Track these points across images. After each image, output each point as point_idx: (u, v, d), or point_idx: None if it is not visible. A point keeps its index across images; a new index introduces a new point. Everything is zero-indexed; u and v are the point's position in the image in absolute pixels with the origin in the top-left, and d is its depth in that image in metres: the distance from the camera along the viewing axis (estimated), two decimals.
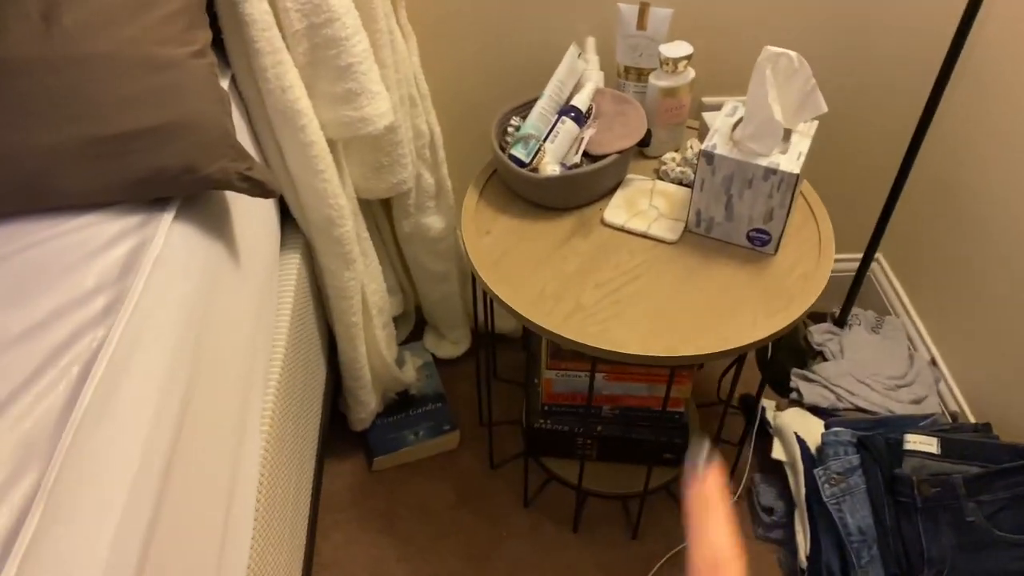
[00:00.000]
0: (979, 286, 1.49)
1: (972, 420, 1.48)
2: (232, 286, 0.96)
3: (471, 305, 1.67)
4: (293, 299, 1.22)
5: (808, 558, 1.33)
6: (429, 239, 1.52)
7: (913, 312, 1.67)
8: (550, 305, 1.14)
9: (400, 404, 1.59)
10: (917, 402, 1.48)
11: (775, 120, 1.10)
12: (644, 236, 1.24)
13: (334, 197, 1.20)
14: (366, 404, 1.47)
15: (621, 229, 1.25)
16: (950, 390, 1.54)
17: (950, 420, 1.49)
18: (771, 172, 1.11)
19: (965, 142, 1.49)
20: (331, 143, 1.20)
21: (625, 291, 1.16)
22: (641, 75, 1.33)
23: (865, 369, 1.52)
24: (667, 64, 1.27)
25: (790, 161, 1.12)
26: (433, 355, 1.69)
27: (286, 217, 1.29)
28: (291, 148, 1.15)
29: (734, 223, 1.20)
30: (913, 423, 1.38)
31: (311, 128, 1.13)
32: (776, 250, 1.21)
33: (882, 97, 1.54)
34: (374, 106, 1.16)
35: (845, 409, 1.46)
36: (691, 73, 1.30)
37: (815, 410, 1.46)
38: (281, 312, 1.19)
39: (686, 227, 1.24)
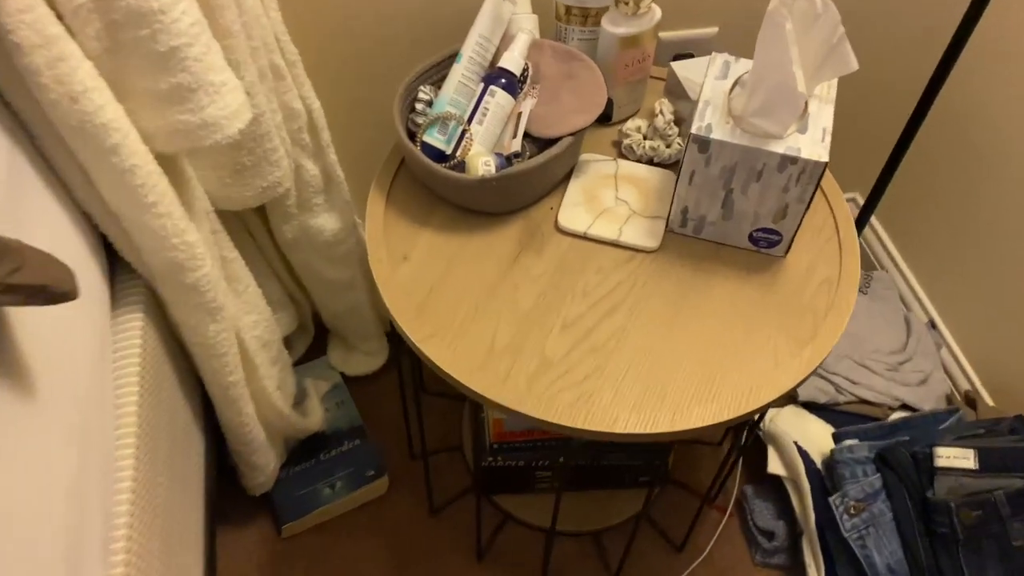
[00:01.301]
0: (979, 235, 1.25)
1: (985, 394, 1.28)
2: (23, 428, 0.61)
3: (387, 309, 1.34)
4: (139, 379, 0.86)
5: None
6: (321, 244, 1.16)
7: (904, 266, 1.44)
8: (506, 365, 0.83)
9: (309, 447, 1.27)
10: (924, 381, 1.27)
11: (793, 88, 0.79)
12: (615, 245, 0.93)
13: (178, 235, 0.83)
14: (262, 467, 1.14)
15: (583, 237, 0.93)
16: (955, 357, 1.33)
17: (965, 402, 1.28)
18: (790, 161, 0.81)
19: (977, 93, 1.22)
20: (165, 159, 0.82)
21: (602, 331, 0.86)
22: (588, 18, 0.98)
23: (863, 346, 1.28)
24: (624, 2, 0.93)
25: (813, 144, 0.82)
26: (342, 374, 1.36)
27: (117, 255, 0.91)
28: (103, 177, 0.77)
29: (733, 222, 0.90)
30: (935, 423, 1.16)
31: (127, 147, 0.74)
32: (787, 252, 0.92)
33: (896, 48, 1.25)
34: (220, 104, 0.78)
35: (847, 402, 1.23)
36: (656, 13, 0.96)
37: (813, 407, 1.23)
38: (123, 407, 0.84)
39: (667, 226, 0.94)
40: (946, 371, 1.33)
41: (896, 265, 1.44)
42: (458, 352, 0.83)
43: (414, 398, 1.22)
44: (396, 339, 1.38)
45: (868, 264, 1.50)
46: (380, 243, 0.92)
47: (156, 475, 0.87)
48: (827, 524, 1.11)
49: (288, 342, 1.38)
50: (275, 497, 1.22)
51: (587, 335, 0.86)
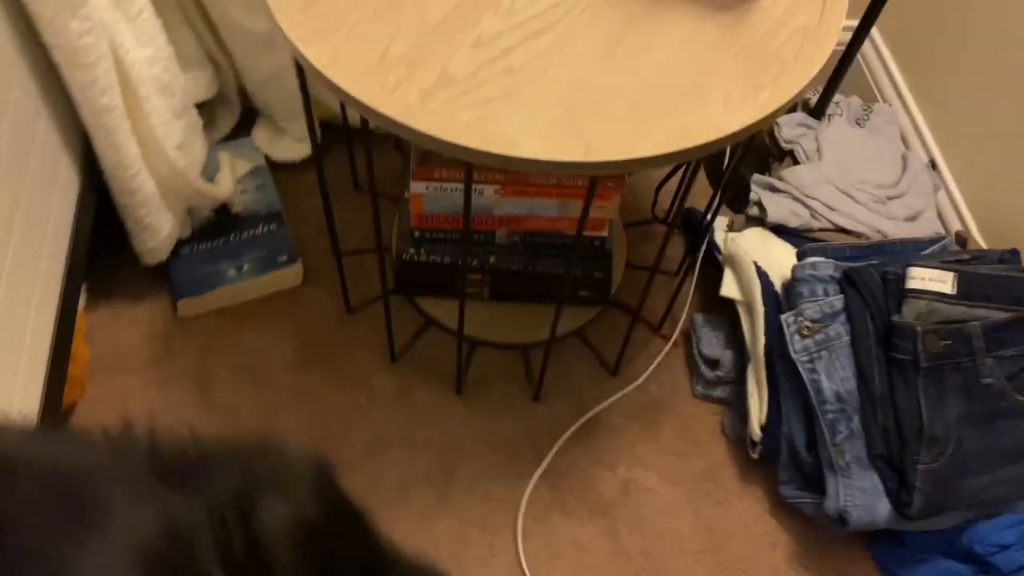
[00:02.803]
0: (994, 71, 1.09)
1: (981, 240, 1.14)
2: None
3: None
4: None
5: (763, 428, 1.00)
6: None
7: (909, 98, 1.27)
8: (397, 76, 0.69)
9: (218, 227, 1.14)
10: (912, 218, 1.12)
11: None
12: None
13: None
14: (154, 229, 1.02)
15: None
16: (952, 202, 1.18)
17: (957, 244, 1.14)
18: None
19: None
20: None
21: (522, 54, 0.71)
22: None
23: (849, 175, 1.13)
24: None
25: None
26: (267, 158, 1.22)
27: None
28: None
29: None
30: (916, 249, 1.02)
31: None
32: None
33: None
34: None
35: (822, 229, 1.08)
36: None
37: (782, 230, 1.09)
38: None
39: None
40: (940, 215, 1.19)
41: (901, 98, 1.27)
42: (342, 56, 0.69)
43: (355, 192, 1.09)
44: (331, 127, 1.24)
45: (870, 95, 1.33)
46: None
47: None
48: (777, 350, 0.99)
49: (213, 118, 1.24)
50: (173, 271, 1.10)
51: (503, 55, 0.71)
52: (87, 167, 0.96)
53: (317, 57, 0.69)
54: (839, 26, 0.75)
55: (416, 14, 0.73)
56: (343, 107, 1.10)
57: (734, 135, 0.68)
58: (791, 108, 1.26)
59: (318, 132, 1.22)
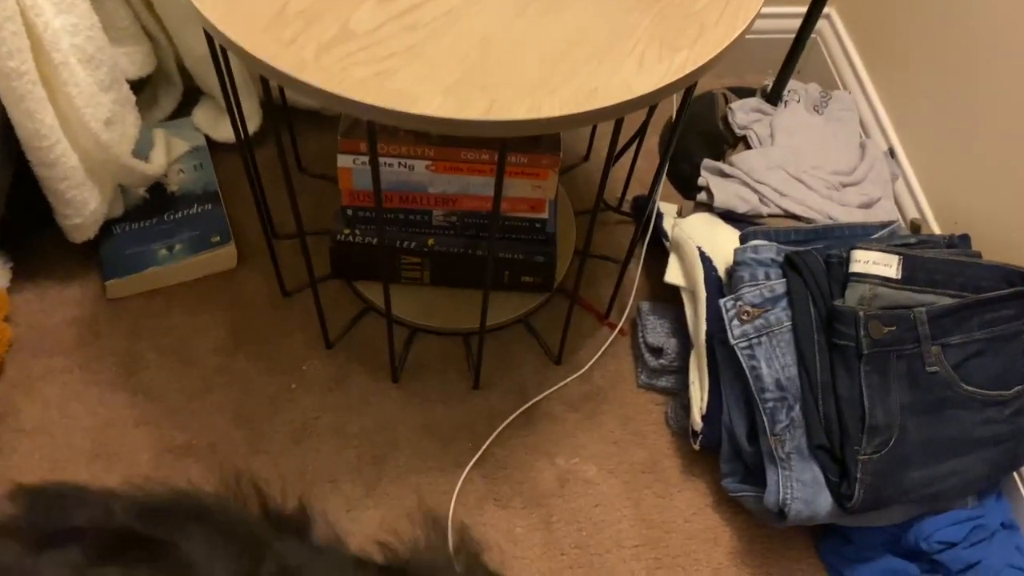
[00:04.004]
0: (960, 52, 1.05)
1: (936, 229, 1.10)
2: None
3: None
4: None
5: (704, 418, 0.96)
6: None
7: (869, 85, 1.24)
8: (294, 31, 0.65)
9: (153, 206, 1.11)
10: (867, 205, 1.09)
11: None
12: None
13: None
14: (78, 204, 0.98)
15: None
16: (910, 190, 1.15)
17: (910, 231, 1.10)
18: None
19: None
20: None
21: (429, 11, 0.68)
22: None
23: (802, 161, 1.10)
24: None
25: None
26: (207, 138, 1.19)
27: None
28: None
29: None
30: (864, 234, 0.98)
31: None
32: None
33: None
34: None
35: (772, 215, 1.05)
36: None
37: (731, 217, 1.05)
38: None
39: None
40: (898, 203, 1.15)
41: (861, 85, 1.24)
42: (238, 10, 0.66)
43: (285, 174, 1.05)
44: (273, 109, 1.20)
45: (830, 83, 1.30)
46: None
47: None
48: (718, 337, 0.95)
49: (155, 96, 1.21)
50: (103, 251, 1.07)
51: (409, 11, 0.68)
52: (4, 138, 0.93)
53: (212, 11, 0.66)
54: None
55: None
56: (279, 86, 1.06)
57: (645, 97, 0.64)
58: (748, 93, 1.23)
59: (259, 112, 1.19)
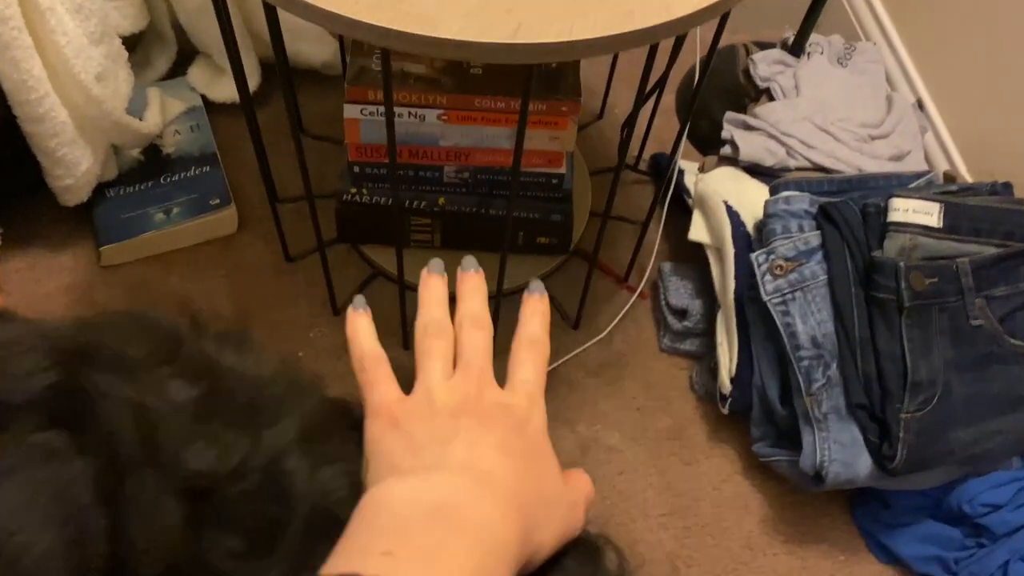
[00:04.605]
0: (982, 4, 1.00)
1: (969, 179, 1.05)
2: None
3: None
4: None
5: (733, 381, 0.91)
6: None
7: (895, 36, 1.19)
8: None
9: (148, 169, 1.06)
10: (898, 158, 1.04)
11: None
12: None
13: None
14: (69, 163, 0.93)
15: None
16: (940, 143, 1.10)
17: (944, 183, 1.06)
18: None
19: None
20: None
21: None
22: None
23: (829, 113, 1.05)
24: None
25: None
26: (204, 98, 1.13)
27: None
28: None
29: None
30: (900, 184, 0.93)
31: None
32: None
33: None
34: None
35: (800, 168, 1.00)
36: None
37: (757, 170, 1.00)
38: None
39: None
40: (927, 156, 1.10)
41: (886, 37, 1.19)
42: None
43: (294, 134, 0.99)
44: (272, 69, 1.15)
45: (853, 34, 1.25)
46: None
47: None
48: (748, 295, 0.90)
49: (147, 56, 1.16)
50: (97, 215, 1.01)
51: None
52: None
53: None
54: None
55: None
56: (280, 41, 1.01)
57: (684, 20, 0.59)
58: (768, 47, 1.18)
59: (258, 71, 1.14)
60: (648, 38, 0.59)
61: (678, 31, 0.61)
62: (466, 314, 0.40)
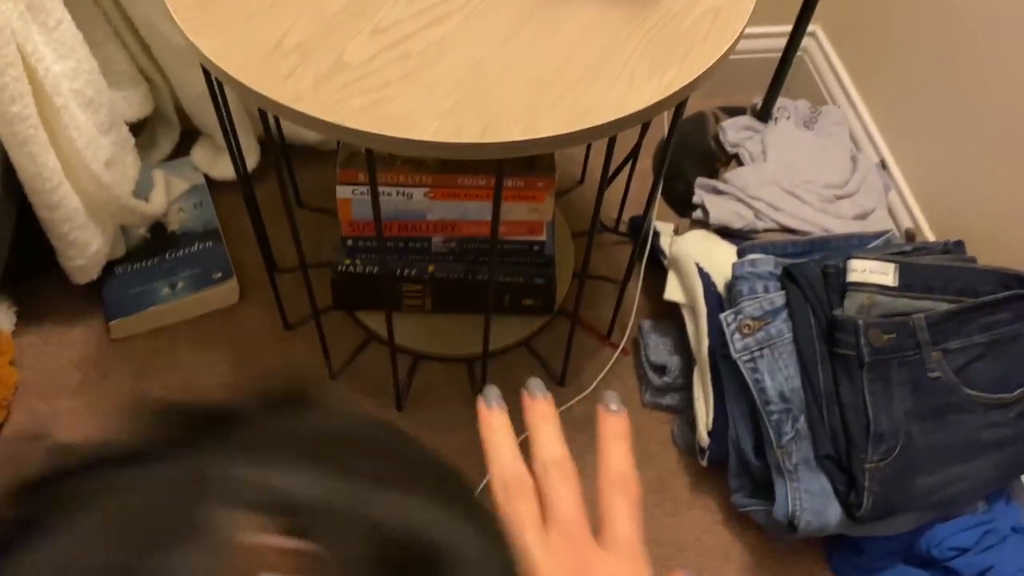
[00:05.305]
0: (944, 62, 1.07)
1: (931, 237, 1.11)
2: None
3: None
4: None
5: (710, 433, 0.96)
6: None
7: (858, 100, 1.26)
8: (291, 64, 0.67)
9: (154, 246, 1.12)
10: (862, 217, 1.10)
11: None
12: None
13: None
14: (81, 245, 0.99)
15: None
16: (903, 201, 1.16)
17: (906, 240, 1.11)
18: None
19: None
20: None
21: (422, 39, 0.70)
22: None
23: (795, 175, 1.11)
24: None
25: None
26: (206, 176, 1.20)
27: None
28: None
29: None
30: (860, 244, 0.99)
31: None
32: None
33: None
34: None
35: (768, 230, 1.06)
36: None
37: (726, 232, 1.06)
38: None
39: None
40: (892, 213, 1.16)
41: (850, 100, 1.26)
42: (237, 46, 0.67)
43: (286, 208, 1.06)
44: (269, 146, 1.22)
45: (819, 98, 1.32)
46: None
47: None
48: (720, 352, 0.95)
49: (153, 138, 1.23)
50: (105, 291, 1.07)
51: (402, 41, 0.69)
52: (6, 181, 0.94)
53: (210, 48, 0.67)
54: (750, 6, 0.74)
55: (314, 4, 0.71)
56: (276, 121, 1.08)
57: (637, 115, 0.66)
58: (738, 112, 1.25)
59: (257, 149, 1.21)
60: (605, 132, 0.66)
61: (632, 125, 0.67)
62: (548, 461, 0.35)
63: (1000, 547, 0.89)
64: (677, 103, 0.70)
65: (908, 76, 1.15)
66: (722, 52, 0.70)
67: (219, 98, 0.82)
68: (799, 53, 1.35)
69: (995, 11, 0.97)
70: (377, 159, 0.90)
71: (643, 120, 0.67)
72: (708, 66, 0.69)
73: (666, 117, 1.13)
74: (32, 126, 0.87)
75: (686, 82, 0.67)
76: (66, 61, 0.94)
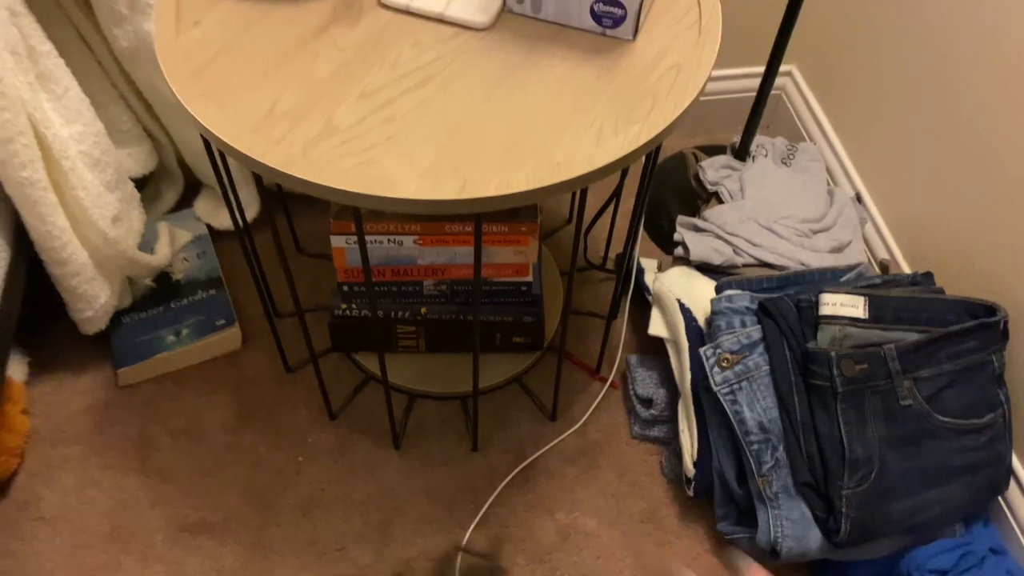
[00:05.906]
0: (915, 99, 1.12)
1: (906, 267, 1.15)
2: None
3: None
4: None
5: (695, 464, 1.00)
6: None
7: (833, 136, 1.30)
8: (282, 129, 0.72)
9: (159, 295, 1.17)
10: (838, 250, 1.14)
11: None
12: (440, 20, 0.81)
13: None
14: (89, 298, 1.04)
15: (406, 11, 0.82)
16: (879, 233, 1.20)
17: (880, 272, 1.15)
18: None
19: None
20: None
21: (404, 103, 0.75)
22: None
23: (772, 211, 1.16)
24: None
25: None
26: (209, 227, 1.25)
27: None
28: None
29: None
30: (833, 278, 1.03)
31: None
32: (635, 34, 0.80)
33: None
34: None
35: (746, 265, 1.10)
36: None
37: (706, 268, 1.10)
38: None
39: (503, 5, 0.82)
40: (868, 245, 1.20)
41: (826, 136, 1.31)
42: (230, 113, 0.73)
43: (281, 256, 1.11)
44: (268, 194, 1.28)
45: (796, 135, 1.37)
46: (169, 7, 0.81)
47: None
48: (702, 385, 0.99)
49: (158, 191, 1.28)
50: (113, 340, 1.12)
51: (385, 105, 0.74)
52: (18, 239, 0.99)
53: (205, 116, 0.72)
54: (711, 61, 0.79)
55: (304, 72, 0.76)
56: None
57: (604, 168, 0.70)
58: (718, 150, 1.30)
59: (257, 200, 1.26)
60: (574, 185, 0.70)
61: (600, 178, 0.71)
62: None
63: (978, 569, 0.92)
64: (642, 156, 0.75)
65: (882, 112, 1.19)
66: (684, 107, 0.74)
67: (217, 159, 0.87)
68: (777, 92, 1.41)
69: (966, 48, 1.02)
70: (368, 211, 0.95)
71: (611, 173, 0.72)
72: (670, 122, 0.73)
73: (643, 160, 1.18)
74: (42, 189, 0.92)
75: (650, 137, 0.72)
76: (73, 125, 0.99)
